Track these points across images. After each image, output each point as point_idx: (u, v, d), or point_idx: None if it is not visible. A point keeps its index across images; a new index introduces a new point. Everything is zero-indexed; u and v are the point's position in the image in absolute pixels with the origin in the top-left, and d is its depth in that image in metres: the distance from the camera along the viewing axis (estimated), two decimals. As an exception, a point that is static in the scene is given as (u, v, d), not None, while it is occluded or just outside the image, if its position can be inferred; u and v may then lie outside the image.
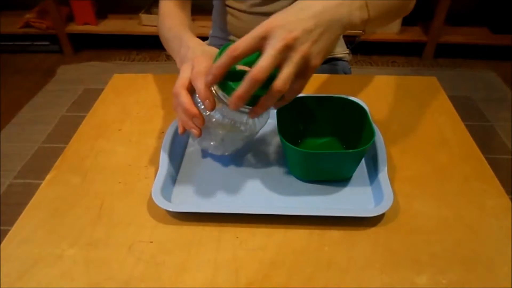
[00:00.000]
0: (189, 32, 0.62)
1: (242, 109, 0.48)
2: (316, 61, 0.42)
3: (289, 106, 0.56)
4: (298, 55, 0.41)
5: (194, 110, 0.48)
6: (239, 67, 0.47)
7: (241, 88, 0.42)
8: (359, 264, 0.46)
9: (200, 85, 0.46)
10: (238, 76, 0.45)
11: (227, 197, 0.54)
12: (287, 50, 0.40)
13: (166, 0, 0.74)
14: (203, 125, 0.49)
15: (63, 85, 2.06)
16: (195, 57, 0.50)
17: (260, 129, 0.56)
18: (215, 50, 0.53)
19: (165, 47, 0.70)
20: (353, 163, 0.55)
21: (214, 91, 0.48)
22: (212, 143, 0.56)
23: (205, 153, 0.61)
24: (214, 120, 0.51)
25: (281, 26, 0.40)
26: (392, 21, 0.59)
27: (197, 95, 0.49)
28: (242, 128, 0.52)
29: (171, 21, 0.70)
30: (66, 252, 0.48)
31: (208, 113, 0.50)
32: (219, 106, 0.49)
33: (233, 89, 0.44)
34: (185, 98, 0.48)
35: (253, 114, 0.48)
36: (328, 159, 0.54)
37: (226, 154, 0.59)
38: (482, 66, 2.17)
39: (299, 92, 0.46)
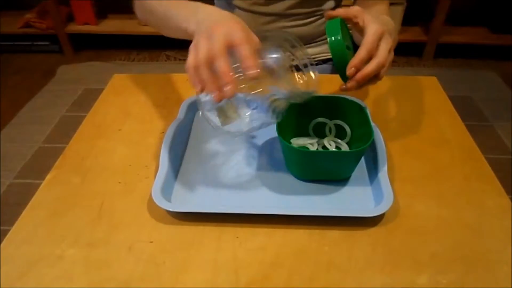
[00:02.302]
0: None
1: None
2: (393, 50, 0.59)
3: (288, 107, 0.56)
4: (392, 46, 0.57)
5: (230, 77, 0.44)
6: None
7: (369, 68, 0.53)
8: (359, 264, 0.46)
9: (245, 52, 0.45)
10: None
11: (227, 197, 0.54)
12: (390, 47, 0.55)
13: None
14: (231, 97, 0.45)
15: (63, 85, 2.06)
16: (227, 22, 0.48)
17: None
18: (235, 16, 0.51)
19: (161, 21, 0.63)
20: (351, 163, 0.55)
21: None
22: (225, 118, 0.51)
23: (205, 153, 0.61)
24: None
25: (387, 32, 0.55)
26: None
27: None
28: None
29: None
30: (66, 252, 0.48)
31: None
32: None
33: None
34: (225, 61, 0.45)
35: (356, 83, 0.54)
36: (326, 159, 0.54)
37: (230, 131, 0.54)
38: (482, 66, 2.17)
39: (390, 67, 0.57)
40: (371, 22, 0.54)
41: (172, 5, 0.61)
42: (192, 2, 0.59)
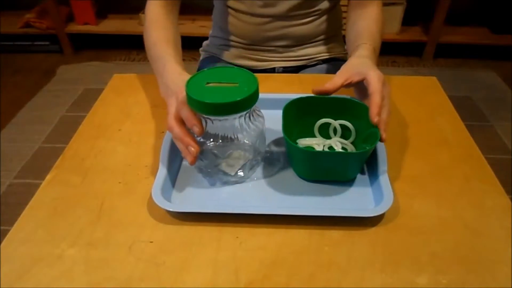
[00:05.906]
0: (172, 56, 0.65)
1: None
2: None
3: (294, 107, 0.56)
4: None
5: (187, 139, 0.52)
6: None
7: (384, 115, 0.54)
8: (359, 264, 0.46)
9: (186, 114, 0.52)
10: None
11: (227, 197, 0.54)
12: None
13: (153, 0, 0.75)
14: (199, 153, 0.52)
15: (63, 85, 2.06)
16: (178, 89, 0.55)
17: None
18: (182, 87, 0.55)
19: (149, 59, 0.72)
20: (356, 164, 0.55)
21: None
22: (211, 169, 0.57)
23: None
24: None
25: (383, 84, 0.56)
26: None
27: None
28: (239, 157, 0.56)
29: (157, 33, 0.73)
30: (66, 252, 0.48)
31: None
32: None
33: None
34: (178, 129, 0.53)
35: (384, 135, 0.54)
36: (332, 159, 0.54)
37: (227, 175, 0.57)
38: (482, 66, 2.17)
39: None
40: (368, 69, 0.57)
41: (156, 55, 0.69)
42: (162, 59, 0.65)
